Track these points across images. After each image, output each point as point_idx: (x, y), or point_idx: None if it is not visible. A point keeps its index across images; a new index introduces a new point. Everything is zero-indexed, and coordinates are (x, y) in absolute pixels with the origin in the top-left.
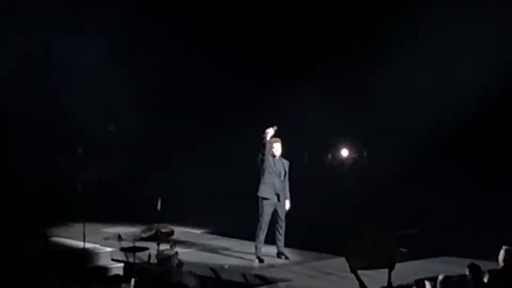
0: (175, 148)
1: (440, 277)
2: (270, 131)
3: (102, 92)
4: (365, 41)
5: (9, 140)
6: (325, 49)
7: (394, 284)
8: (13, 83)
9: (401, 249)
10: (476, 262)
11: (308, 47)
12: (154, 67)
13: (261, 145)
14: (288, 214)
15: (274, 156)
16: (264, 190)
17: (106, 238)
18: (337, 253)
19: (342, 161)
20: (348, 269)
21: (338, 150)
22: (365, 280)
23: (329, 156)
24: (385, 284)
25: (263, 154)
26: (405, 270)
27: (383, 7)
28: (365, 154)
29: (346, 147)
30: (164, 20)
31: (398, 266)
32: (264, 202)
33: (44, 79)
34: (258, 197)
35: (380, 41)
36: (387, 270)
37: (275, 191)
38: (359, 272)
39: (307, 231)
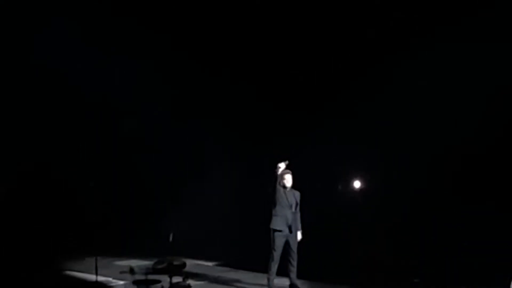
0: (186, 179)
1: None
2: (282, 165)
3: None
4: None
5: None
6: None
7: None
8: None
9: (415, 280)
10: None
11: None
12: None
13: (272, 178)
14: (300, 245)
15: (285, 187)
16: (276, 222)
17: (121, 272)
18: (350, 285)
19: (354, 192)
20: None
21: (350, 181)
22: None
23: (340, 187)
24: None
25: (275, 187)
26: None
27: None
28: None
29: (358, 178)
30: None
31: None
32: (276, 234)
33: None
34: (270, 229)
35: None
36: None
37: (287, 223)
38: None
39: (319, 262)
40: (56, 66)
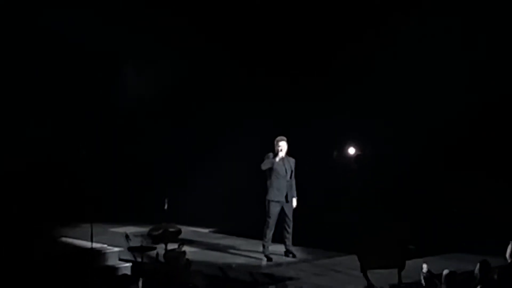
0: (183, 147)
1: (445, 272)
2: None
3: None
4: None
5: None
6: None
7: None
8: None
9: (410, 247)
10: (487, 258)
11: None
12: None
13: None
14: (295, 212)
15: (278, 155)
16: (273, 193)
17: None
18: (346, 251)
19: (349, 158)
20: (356, 267)
21: (345, 148)
22: (374, 277)
23: (335, 153)
24: (394, 282)
25: (269, 160)
26: (413, 268)
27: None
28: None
29: (353, 144)
30: None
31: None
32: (272, 203)
33: None
34: (266, 199)
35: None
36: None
37: (283, 193)
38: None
39: (314, 229)
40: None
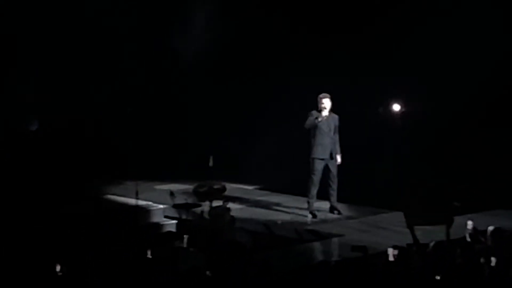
0: (229, 105)
1: (490, 228)
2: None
3: None
4: None
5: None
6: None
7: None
8: None
9: (455, 203)
10: None
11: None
12: None
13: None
14: (339, 168)
15: (322, 112)
16: (317, 151)
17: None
18: (391, 208)
19: (394, 115)
20: (401, 224)
21: (390, 105)
22: (419, 234)
23: (380, 110)
24: (438, 239)
25: (313, 116)
26: (458, 225)
27: None
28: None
29: (398, 101)
30: None
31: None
32: (316, 160)
33: None
34: (310, 157)
35: None
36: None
37: (327, 150)
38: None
39: (360, 186)
40: None
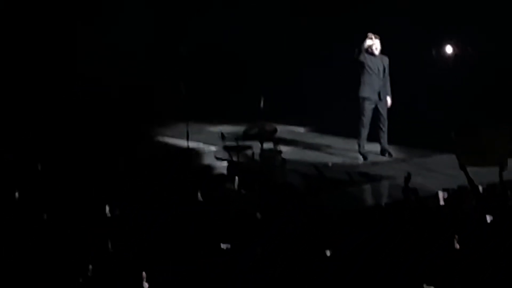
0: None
1: None
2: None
3: None
4: None
5: None
6: None
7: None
8: None
9: (510, 146)
10: None
11: None
12: None
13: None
14: (390, 110)
15: (373, 54)
16: (364, 90)
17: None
18: (443, 150)
19: (447, 57)
20: (452, 166)
21: (443, 46)
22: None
23: (434, 51)
24: (490, 181)
25: (360, 52)
26: (511, 168)
27: None
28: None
29: (451, 42)
30: None
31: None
32: (365, 101)
33: None
34: (358, 96)
35: None
36: (497, 167)
37: (375, 90)
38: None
39: (411, 128)
40: None
